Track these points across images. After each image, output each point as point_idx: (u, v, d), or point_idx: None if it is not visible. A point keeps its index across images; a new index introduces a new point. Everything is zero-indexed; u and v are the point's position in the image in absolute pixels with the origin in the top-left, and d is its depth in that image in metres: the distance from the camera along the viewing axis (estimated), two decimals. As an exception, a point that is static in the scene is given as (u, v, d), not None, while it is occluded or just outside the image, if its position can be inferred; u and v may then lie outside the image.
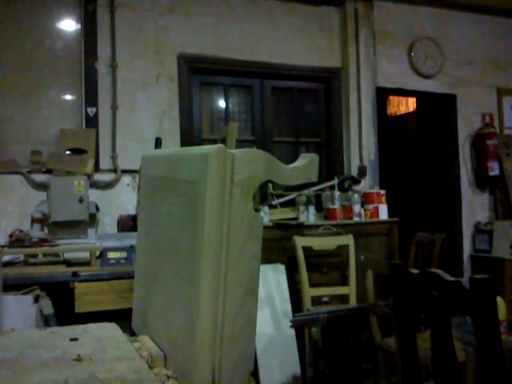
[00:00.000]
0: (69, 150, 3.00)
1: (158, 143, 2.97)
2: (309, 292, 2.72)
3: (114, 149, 3.17)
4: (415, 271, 1.22)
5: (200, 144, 3.39)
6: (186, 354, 0.75)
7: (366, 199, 3.37)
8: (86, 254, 2.66)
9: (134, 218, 2.86)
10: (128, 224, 2.89)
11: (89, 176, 2.91)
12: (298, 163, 0.80)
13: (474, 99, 4.17)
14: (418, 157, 4.69)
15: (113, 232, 2.95)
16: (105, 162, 3.15)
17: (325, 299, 2.88)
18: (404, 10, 3.99)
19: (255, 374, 2.55)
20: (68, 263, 2.60)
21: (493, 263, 3.80)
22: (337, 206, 3.23)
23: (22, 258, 2.66)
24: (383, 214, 3.34)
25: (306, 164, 0.80)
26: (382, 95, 4.19)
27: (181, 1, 3.39)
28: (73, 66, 3.15)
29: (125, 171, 3.15)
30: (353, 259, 2.83)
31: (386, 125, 4.80)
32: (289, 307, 2.76)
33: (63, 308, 2.37)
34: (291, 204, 3.36)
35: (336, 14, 3.80)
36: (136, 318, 1.06)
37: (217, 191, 0.71)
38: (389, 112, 5.35)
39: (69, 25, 3.19)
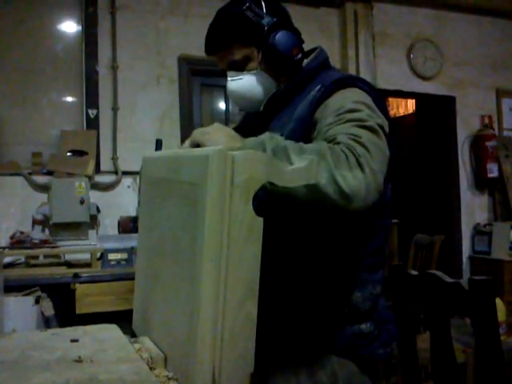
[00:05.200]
0: (69, 151, 3.01)
1: (159, 145, 2.97)
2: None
3: (114, 150, 3.18)
4: (414, 272, 1.22)
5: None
6: (187, 355, 0.75)
7: (365, 201, 3.37)
8: (86, 256, 2.67)
9: (134, 220, 2.86)
10: (129, 225, 2.89)
11: (90, 177, 2.92)
12: (297, 165, 0.81)
13: (473, 101, 4.18)
14: (416, 158, 4.70)
15: (113, 233, 2.95)
16: (105, 164, 3.16)
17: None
18: (403, 12, 4.00)
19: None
20: (69, 265, 2.60)
21: (492, 264, 3.81)
22: (337, 207, 3.22)
23: (22, 259, 2.66)
24: (383, 215, 3.35)
25: (306, 166, 0.80)
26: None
27: (181, 2, 3.40)
28: (74, 68, 3.16)
29: (125, 173, 3.15)
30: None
31: (386, 126, 4.80)
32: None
33: (64, 309, 2.37)
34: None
35: (335, 16, 3.81)
36: (137, 319, 1.06)
37: (217, 193, 0.71)
38: (388, 114, 5.35)
39: (70, 27, 3.20)
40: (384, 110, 1.01)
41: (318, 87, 1.02)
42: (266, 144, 0.82)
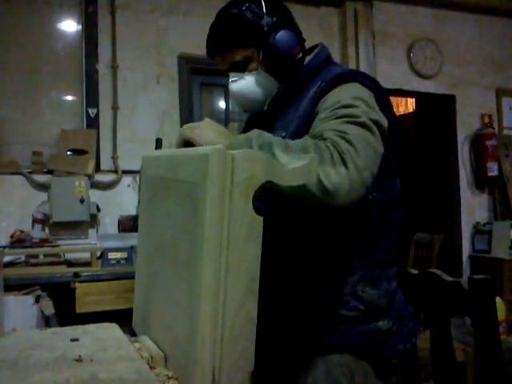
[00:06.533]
0: (70, 150, 3.01)
1: (159, 144, 2.97)
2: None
3: (114, 149, 3.18)
4: (414, 271, 1.22)
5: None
6: (187, 355, 0.75)
7: (365, 200, 3.37)
8: (86, 255, 2.67)
9: (134, 219, 2.86)
10: (129, 224, 2.89)
11: (89, 176, 2.92)
12: (297, 164, 0.81)
13: (473, 100, 4.18)
14: (416, 157, 4.70)
15: (113, 232, 2.95)
16: (105, 163, 3.16)
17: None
18: (403, 11, 4.00)
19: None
20: (69, 264, 2.60)
21: (492, 263, 3.81)
22: (337, 206, 3.22)
23: (22, 258, 2.67)
24: (383, 214, 3.34)
25: (306, 165, 0.80)
26: (382, 96, 4.19)
27: (181, 2, 3.40)
28: (74, 67, 3.16)
29: (125, 172, 3.16)
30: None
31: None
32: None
33: (64, 308, 2.37)
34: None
35: (336, 15, 3.81)
36: (137, 318, 1.06)
37: (217, 192, 0.71)
38: (388, 113, 5.35)
39: (70, 26, 3.20)
40: (387, 104, 1.01)
41: (319, 83, 1.03)
42: (252, 141, 0.83)
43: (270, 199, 0.99)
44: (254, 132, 0.86)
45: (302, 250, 1.02)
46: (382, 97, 1.01)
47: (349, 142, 0.84)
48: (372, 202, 0.95)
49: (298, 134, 0.98)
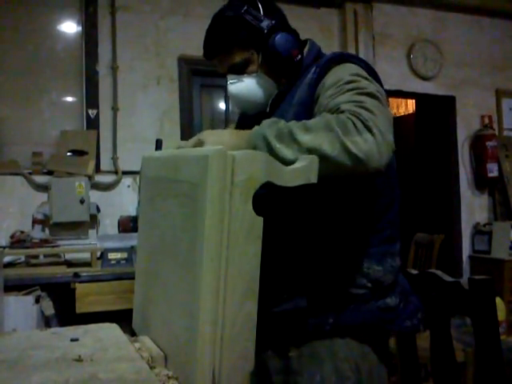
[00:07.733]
0: (70, 151, 3.01)
1: (159, 145, 2.97)
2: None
3: (114, 150, 3.18)
4: (414, 272, 1.22)
5: (200, 145, 3.40)
6: (187, 354, 0.76)
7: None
8: (86, 255, 2.67)
9: (134, 219, 2.86)
10: (129, 225, 2.89)
11: (90, 177, 2.92)
12: (297, 164, 0.81)
13: (473, 101, 4.18)
14: (416, 158, 4.70)
15: (113, 233, 2.95)
16: (105, 164, 3.16)
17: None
18: (403, 12, 4.00)
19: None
20: (69, 264, 2.60)
21: (492, 264, 3.81)
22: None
23: (23, 258, 2.67)
24: (383, 215, 3.34)
25: (306, 165, 0.80)
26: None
27: (181, 3, 3.40)
28: (74, 68, 3.16)
29: (125, 172, 3.16)
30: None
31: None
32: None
33: (64, 309, 2.37)
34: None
35: (335, 16, 3.81)
36: (136, 318, 1.06)
37: (217, 192, 0.71)
38: (388, 113, 5.35)
39: (70, 27, 3.20)
40: (379, 83, 1.04)
41: (314, 69, 1.06)
42: (266, 134, 0.86)
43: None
44: (266, 122, 0.88)
45: (307, 231, 1.02)
46: (374, 76, 1.04)
47: (367, 109, 0.86)
48: (373, 178, 0.97)
49: (297, 120, 0.99)
